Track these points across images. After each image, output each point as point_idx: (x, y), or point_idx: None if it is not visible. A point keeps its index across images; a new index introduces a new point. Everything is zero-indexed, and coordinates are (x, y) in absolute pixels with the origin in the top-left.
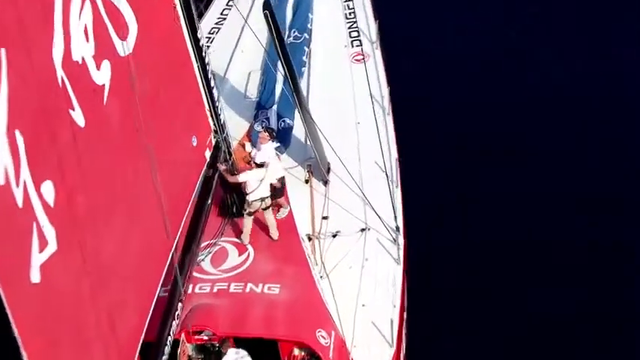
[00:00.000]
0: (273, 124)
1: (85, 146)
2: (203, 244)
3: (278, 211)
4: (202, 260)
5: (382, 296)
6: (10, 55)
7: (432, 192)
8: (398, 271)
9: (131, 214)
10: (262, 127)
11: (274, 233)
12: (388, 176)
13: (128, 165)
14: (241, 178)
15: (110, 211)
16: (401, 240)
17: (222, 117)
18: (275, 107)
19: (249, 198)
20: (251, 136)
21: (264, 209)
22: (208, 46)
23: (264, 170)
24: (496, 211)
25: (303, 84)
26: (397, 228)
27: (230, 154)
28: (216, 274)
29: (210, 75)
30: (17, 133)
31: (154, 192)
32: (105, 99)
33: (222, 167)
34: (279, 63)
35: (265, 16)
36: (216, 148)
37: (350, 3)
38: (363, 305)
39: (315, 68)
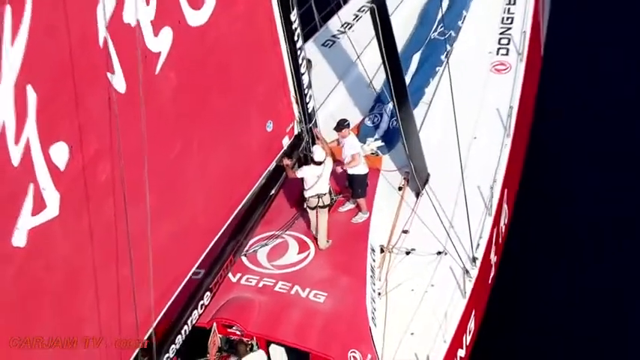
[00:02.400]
0: (385, 121)
1: (122, 114)
2: (264, 235)
3: (356, 214)
4: (256, 251)
5: (435, 328)
6: (36, 5)
7: (542, 229)
8: (461, 304)
9: (170, 193)
10: (341, 123)
11: (322, 239)
12: (485, 202)
13: (177, 141)
14: (299, 174)
15: (143, 186)
16: (475, 272)
17: (310, 105)
18: (391, 105)
19: (306, 194)
20: (360, 129)
21: (321, 207)
22: (344, 31)
23: (322, 167)
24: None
25: (432, 85)
26: (474, 259)
27: (311, 145)
28: (268, 268)
29: (301, 60)
30: (29, 88)
31: (206, 173)
32: (158, 68)
33: (285, 161)
34: (411, 58)
35: (371, 11)
36: (297, 138)
37: (511, 7)
38: (412, 334)
39: (450, 70)
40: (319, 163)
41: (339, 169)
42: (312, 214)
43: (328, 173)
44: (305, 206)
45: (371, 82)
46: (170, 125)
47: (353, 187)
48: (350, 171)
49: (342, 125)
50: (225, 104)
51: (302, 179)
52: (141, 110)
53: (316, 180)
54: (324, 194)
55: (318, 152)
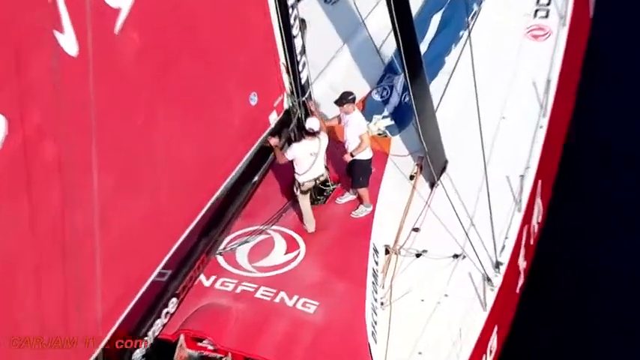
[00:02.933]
0: (396, 96)
1: (73, 82)
2: (245, 230)
3: (356, 207)
4: (234, 250)
5: (448, 347)
6: None
7: (580, 230)
8: (480, 318)
9: (128, 178)
10: (344, 96)
11: (309, 223)
12: (514, 196)
13: (139, 114)
14: (290, 154)
15: (93, 166)
16: (498, 280)
17: (304, 75)
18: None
19: (300, 179)
20: (366, 104)
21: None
22: None
23: (317, 142)
24: None
25: (454, 52)
26: (498, 264)
27: (303, 122)
28: (248, 270)
29: (293, 20)
30: None
31: (175, 153)
32: (118, 27)
33: (272, 141)
34: (430, 19)
35: None
36: (287, 114)
37: None
38: (420, 353)
39: (477, 35)
40: (314, 134)
41: (347, 158)
42: (303, 201)
43: (324, 151)
44: (297, 193)
45: (380, 47)
46: (132, 96)
47: (354, 174)
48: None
49: (345, 99)
50: (199, 71)
51: (292, 162)
52: (89, 75)
53: (312, 160)
54: (322, 175)
55: (312, 121)
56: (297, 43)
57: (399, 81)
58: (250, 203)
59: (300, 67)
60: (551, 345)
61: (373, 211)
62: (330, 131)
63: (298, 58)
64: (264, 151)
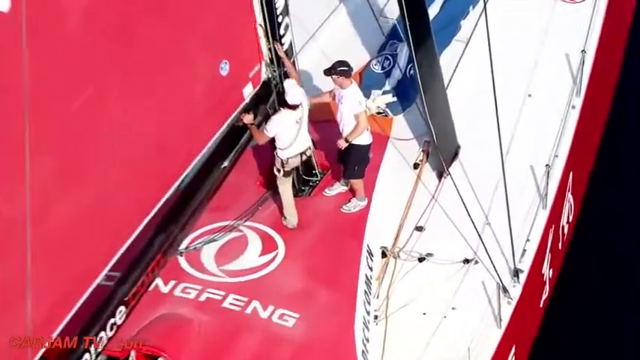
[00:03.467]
0: (400, 67)
1: (3, 43)
2: (212, 226)
3: (348, 200)
4: (199, 249)
5: None
6: None
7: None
8: (494, 336)
9: (73, 159)
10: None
11: (290, 217)
12: (538, 189)
13: (85, 88)
14: (270, 129)
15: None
16: (517, 291)
17: (286, 39)
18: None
19: (284, 154)
20: (363, 77)
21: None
22: None
23: (299, 110)
24: None
25: (471, 16)
26: (516, 272)
27: (282, 97)
28: (215, 274)
29: None
30: None
31: (128, 132)
32: None
33: (245, 118)
34: None
35: None
36: (265, 86)
37: None
38: None
39: None
40: (295, 107)
41: (341, 144)
42: (283, 187)
43: (307, 117)
44: (279, 176)
45: (382, 8)
46: (77, 64)
47: (348, 162)
48: (346, 136)
49: (336, 69)
50: (158, 35)
51: (273, 138)
52: (22, 36)
53: (296, 130)
54: (308, 149)
55: (292, 90)
56: (279, 3)
57: (404, 49)
58: (218, 194)
59: (282, 30)
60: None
61: (368, 205)
62: (320, 109)
63: (279, 18)
64: (237, 130)
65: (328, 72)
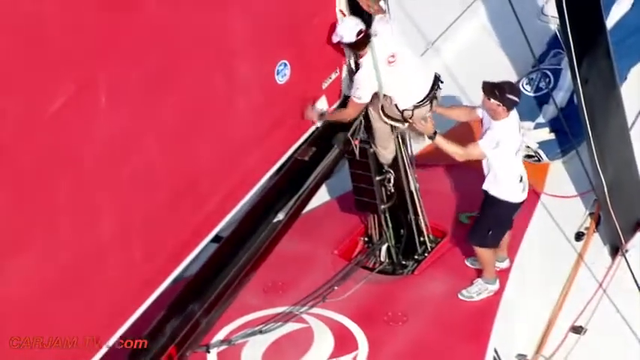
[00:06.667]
0: (566, 88)
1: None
2: (262, 313)
3: (471, 282)
4: (237, 346)
5: None
6: None
7: None
8: None
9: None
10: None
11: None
12: None
13: (68, 85)
14: (363, 90)
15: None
16: None
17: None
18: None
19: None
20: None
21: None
22: None
23: (380, 43)
24: None
25: None
26: None
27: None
28: None
29: None
30: None
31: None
32: None
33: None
34: None
35: None
36: (343, 104)
37: None
38: None
39: None
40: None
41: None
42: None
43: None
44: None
45: (543, 6)
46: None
47: (479, 219)
48: (485, 185)
49: (507, 97)
50: (183, 25)
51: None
52: None
53: (392, 71)
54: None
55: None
56: None
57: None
58: (269, 263)
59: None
60: None
61: (501, 291)
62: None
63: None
64: (300, 167)
65: (490, 92)
